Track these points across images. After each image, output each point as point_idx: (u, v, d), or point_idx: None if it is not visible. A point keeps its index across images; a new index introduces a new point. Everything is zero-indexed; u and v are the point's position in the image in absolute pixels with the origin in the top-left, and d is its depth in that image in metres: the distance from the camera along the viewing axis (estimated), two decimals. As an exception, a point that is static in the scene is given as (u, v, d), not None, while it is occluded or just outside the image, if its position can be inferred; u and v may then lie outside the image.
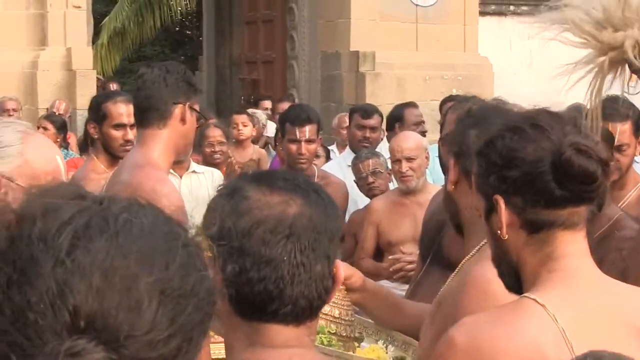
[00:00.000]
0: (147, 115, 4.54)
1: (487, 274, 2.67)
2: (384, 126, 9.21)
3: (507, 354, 2.30)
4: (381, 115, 9.17)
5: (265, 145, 11.03)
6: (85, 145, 7.91)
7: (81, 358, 1.18)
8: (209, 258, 1.93)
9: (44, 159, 3.32)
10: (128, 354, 1.21)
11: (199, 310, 1.30)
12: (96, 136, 6.58)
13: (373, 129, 8.54)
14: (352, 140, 8.67)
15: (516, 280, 2.45)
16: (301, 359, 2.04)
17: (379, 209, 6.70)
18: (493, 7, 17.69)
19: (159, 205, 4.01)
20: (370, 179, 7.09)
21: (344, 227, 6.52)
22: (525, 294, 2.38)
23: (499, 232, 2.41)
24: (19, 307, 1.21)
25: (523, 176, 2.35)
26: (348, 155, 8.39)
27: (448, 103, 8.44)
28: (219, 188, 2.18)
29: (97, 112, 6.42)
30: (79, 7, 14.30)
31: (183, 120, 4.47)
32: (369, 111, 8.84)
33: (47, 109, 12.69)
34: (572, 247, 2.42)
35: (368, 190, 7.14)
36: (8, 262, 1.24)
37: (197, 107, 4.56)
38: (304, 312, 2.02)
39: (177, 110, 4.46)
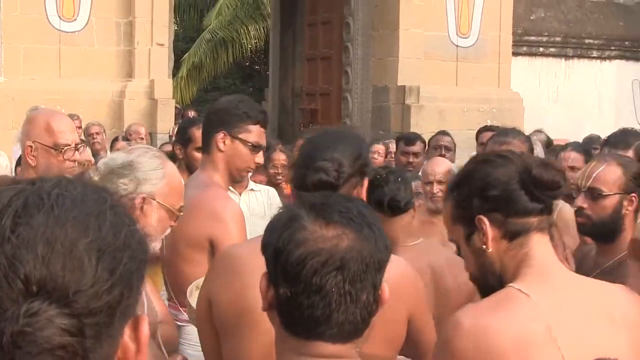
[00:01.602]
0: (202, 142, 4.61)
1: None
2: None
3: (505, 335, 2.39)
4: (424, 142, 9.15)
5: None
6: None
7: (39, 317, 1.21)
8: (264, 275, 2.01)
9: (177, 181, 3.51)
10: (79, 306, 1.24)
11: (134, 259, 1.32)
12: (181, 157, 6.59)
13: (416, 154, 8.52)
14: (397, 165, 8.53)
15: (501, 287, 2.55)
16: None
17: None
18: (524, 48, 17.69)
19: (221, 215, 4.02)
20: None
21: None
22: (510, 284, 2.51)
23: (484, 247, 2.57)
24: None
25: (502, 193, 2.56)
26: (394, 178, 8.27)
27: (485, 133, 8.39)
28: (279, 210, 2.11)
29: (184, 135, 6.51)
30: (162, 44, 14.38)
31: (220, 146, 4.43)
32: (412, 139, 8.84)
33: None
34: (544, 247, 2.58)
35: (409, 209, 7.06)
36: None
37: (243, 135, 4.45)
38: (349, 334, 1.96)
39: (216, 138, 4.43)
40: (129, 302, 1.31)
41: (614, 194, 4.03)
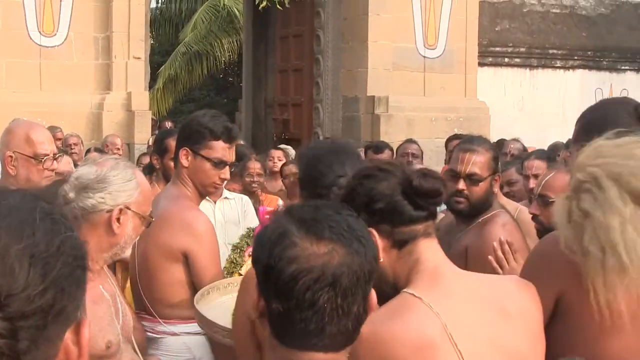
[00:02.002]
0: (173, 157, 4.62)
1: None
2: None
3: (401, 341, 2.44)
4: (392, 150, 9.18)
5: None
6: (149, 173, 7.97)
7: None
8: (256, 285, 1.98)
9: (148, 188, 3.53)
10: (11, 310, 1.26)
11: (67, 265, 1.33)
12: (158, 166, 6.64)
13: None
14: None
15: (396, 293, 2.60)
16: None
17: None
18: (490, 59, 17.67)
19: (193, 227, 4.00)
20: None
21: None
22: (404, 290, 2.58)
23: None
24: None
25: (386, 206, 2.61)
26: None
27: (454, 141, 8.53)
28: (268, 223, 2.05)
29: (160, 146, 6.47)
30: (139, 58, 14.39)
31: (183, 162, 4.42)
32: (380, 147, 8.81)
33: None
34: (432, 251, 2.66)
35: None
36: None
37: (204, 151, 4.40)
38: (341, 344, 1.95)
39: (180, 154, 4.43)
40: (63, 305, 1.32)
41: None
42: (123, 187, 3.38)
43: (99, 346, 3.26)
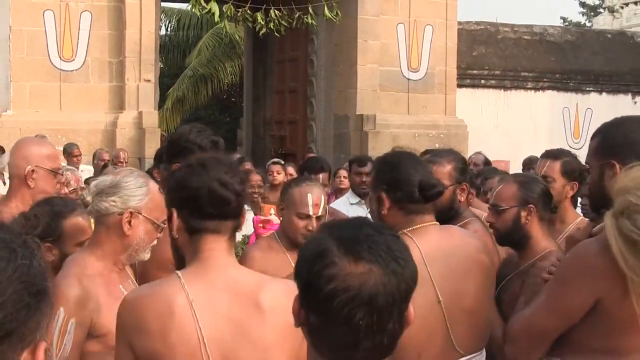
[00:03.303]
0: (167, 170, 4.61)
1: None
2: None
3: (149, 305, 2.71)
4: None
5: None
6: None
7: None
8: (296, 298, 1.91)
9: (159, 197, 3.48)
10: None
11: (17, 292, 1.33)
12: (159, 179, 6.67)
13: (368, 174, 8.05)
14: (352, 184, 8.44)
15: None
16: None
17: None
18: (468, 80, 17.70)
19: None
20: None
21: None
22: (176, 272, 2.81)
23: (174, 232, 2.84)
24: None
25: (187, 197, 2.80)
26: (350, 195, 8.28)
27: (425, 156, 8.61)
28: (307, 240, 1.98)
29: (161, 160, 6.51)
30: (149, 80, 14.47)
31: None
32: (363, 160, 8.51)
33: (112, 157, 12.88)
34: (214, 245, 2.79)
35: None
36: None
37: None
38: (376, 357, 1.88)
39: (173, 169, 4.27)
40: (12, 327, 1.31)
41: (511, 207, 4.07)
42: (134, 192, 3.38)
43: None
